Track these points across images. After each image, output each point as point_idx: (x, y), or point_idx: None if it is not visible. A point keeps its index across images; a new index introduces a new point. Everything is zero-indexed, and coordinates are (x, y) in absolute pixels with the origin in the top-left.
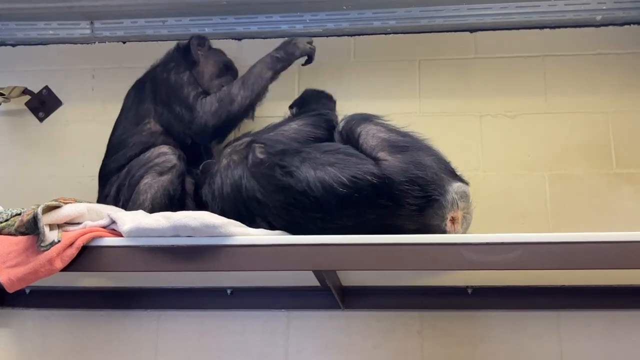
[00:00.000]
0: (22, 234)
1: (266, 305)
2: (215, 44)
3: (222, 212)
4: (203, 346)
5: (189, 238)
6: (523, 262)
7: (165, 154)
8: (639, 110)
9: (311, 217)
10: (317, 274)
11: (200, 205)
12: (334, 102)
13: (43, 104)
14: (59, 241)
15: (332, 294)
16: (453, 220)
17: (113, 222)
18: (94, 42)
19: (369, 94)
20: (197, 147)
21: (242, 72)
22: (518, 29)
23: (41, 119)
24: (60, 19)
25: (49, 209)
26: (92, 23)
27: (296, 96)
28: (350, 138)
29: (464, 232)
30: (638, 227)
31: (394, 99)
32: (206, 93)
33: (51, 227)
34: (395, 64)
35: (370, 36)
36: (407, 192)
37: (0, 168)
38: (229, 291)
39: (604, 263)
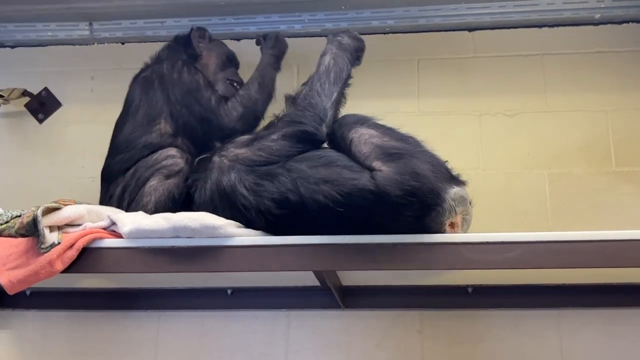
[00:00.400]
0: (22, 235)
1: (266, 305)
2: None
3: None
4: (203, 346)
5: (189, 239)
6: (523, 261)
7: (173, 157)
8: (638, 108)
9: (308, 228)
10: (317, 274)
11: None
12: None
13: (42, 105)
14: (59, 243)
15: (332, 294)
16: (452, 225)
17: (113, 223)
18: (93, 43)
19: (368, 93)
20: (208, 144)
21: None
22: (517, 27)
23: (40, 121)
24: (59, 20)
25: (49, 210)
26: (90, 24)
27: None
28: (342, 144)
29: (465, 231)
30: (638, 226)
31: (393, 98)
32: (225, 97)
33: (51, 228)
34: (394, 64)
35: (369, 36)
36: (404, 205)
37: None
38: (229, 291)
39: (604, 261)
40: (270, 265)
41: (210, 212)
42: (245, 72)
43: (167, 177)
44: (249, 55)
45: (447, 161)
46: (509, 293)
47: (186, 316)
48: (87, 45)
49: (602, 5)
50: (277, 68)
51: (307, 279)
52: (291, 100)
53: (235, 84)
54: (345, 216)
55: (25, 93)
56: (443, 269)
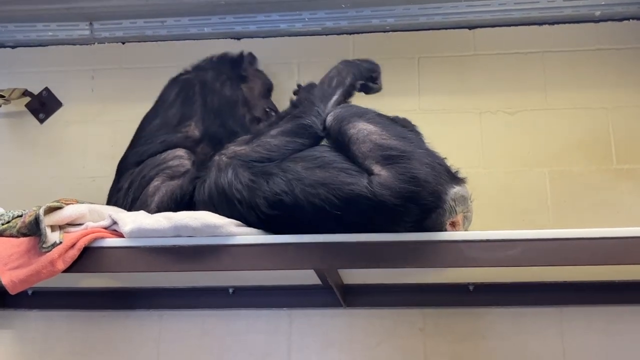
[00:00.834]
0: (24, 235)
1: (268, 304)
2: (215, 43)
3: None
4: (205, 345)
5: (190, 238)
6: (524, 258)
7: (180, 158)
8: (639, 106)
9: (306, 229)
10: (319, 272)
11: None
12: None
13: (43, 105)
14: (60, 242)
15: (333, 292)
16: (453, 224)
17: (114, 222)
18: (93, 43)
19: None
20: None
21: None
22: (517, 25)
23: (41, 121)
24: (59, 20)
25: (51, 210)
26: (91, 24)
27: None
28: (340, 140)
29: (466, 230)
30: (639, 223)
31: (393, 96)
32: (258, 119)
33: (52, 228)
34: (395, 62)
35: (369, 34)
36: (403, 211)
37: (0, 170)
38: (230, 290)
39: (605, 259)
40: (271, 264)
41: (210, 209)
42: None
43: (172, 178)
44: None
45: (445, 158)
46: (511, 291)
47: (188, 315)
48: (87, 45)
49: (603, 3)
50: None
51: (309, 277)
52: (292, 102)
53: (273, 114)
54: (342, 219)
55: (26, 93)
56: (444, 267)
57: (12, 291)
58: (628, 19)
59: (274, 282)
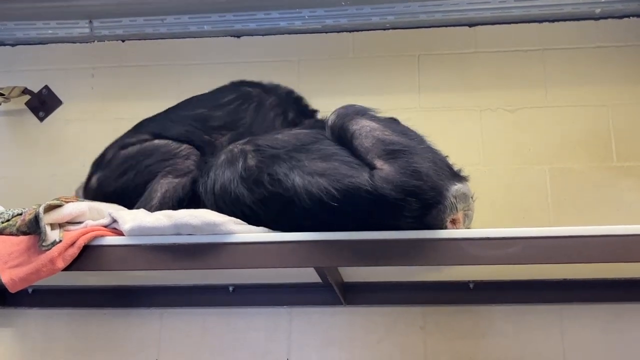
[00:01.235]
0: (24, 233)
1: (268, 302)
2: (214, 41)
3: (217, 209)
4: (206, 344)
5: (190, 236)
6: (524, 256)
7: (190, 157)
8: (639, 103)
9: (303, 224)
10: (319, 270)
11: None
12: None
13: (43, 103)
14: (60, 241)
15: (333, 290)
16: (454, 221)
17: (114, 221)
18: (93, 41)
19: (369, 89)
20: None
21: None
22: (517, 22)
23: (41, 119)
24: (59, 18)
25: (51, 208)
26: (91, 22)
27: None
28: (343, 136)
29: (467, 227)
30: (639, 220)
31: (393, 94)
32: None
33: (52, 226)
34: (395, 60)
35: (369, 32)
36: (403, 206)
37: (0, 168)
38: (231, 288)
39: (606, 256)
40: (271, 262)
41: (211, 195)
42: (247, 71)
43: (176, 176)
44: (249, 53)
45: (447, 156)
46: (511, 288)
47: (188, 313)
48: (87, 43)
49: (603, 0)
50: None
51: (309, 275)
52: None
53: None
54: (339, 211)
55: (25, 91)
56: (445, 265)
57: (12, 289)
58: (628, 16)
59: (274, 280)
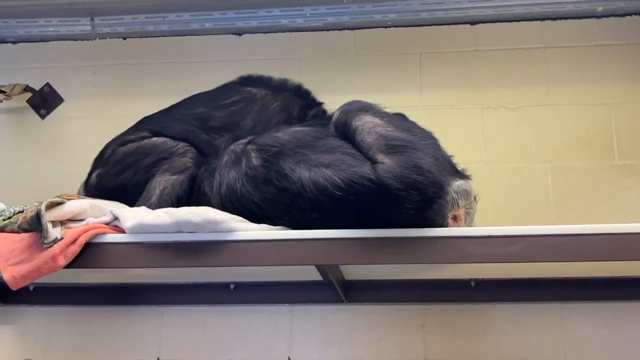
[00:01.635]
0: (25, 231)
1: (269, 300)
2: (216, 39)
3: (223, 208)
4: (207, 341)
5: (191, 234)
6: (526, 254)
7: (187, 155)
8: None
9: (309, 217)
10: (320, 268)
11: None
12: None
13: (44, 101)
14: (61, 238)
15: (335, 288)
16: (455, 218)
17: (116, 218)
18: (95, 39)
19: (370, 87)
20: None
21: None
22: (519, 21)
23: (43, 116)
24: (60, 15)
25: (52, 205)
26: (92, 19)
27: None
28: (346, 132)
29: (468, 226)
30: None
31: (395, 92)
32: None
33: (54, 223)
34: (396, 58)
35: (371, 30)
36: (405, 197)
37: (2, 166)
38: (232, 286)
39: (607, 255)
40: (272, 260)
41: (217, 195)
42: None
43: (174, 173)
44: (250, 51)
45: (452, 156)
46: (512, 287)
47: (189, 311)
48: (88, 40)
49: None
50: None
51: (310, 273)
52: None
53: None
54: (345, 202)
55: (27, 89)
56: (446, 263)
57: (14, 287)
58: (630, 14)
59: (276, 278)
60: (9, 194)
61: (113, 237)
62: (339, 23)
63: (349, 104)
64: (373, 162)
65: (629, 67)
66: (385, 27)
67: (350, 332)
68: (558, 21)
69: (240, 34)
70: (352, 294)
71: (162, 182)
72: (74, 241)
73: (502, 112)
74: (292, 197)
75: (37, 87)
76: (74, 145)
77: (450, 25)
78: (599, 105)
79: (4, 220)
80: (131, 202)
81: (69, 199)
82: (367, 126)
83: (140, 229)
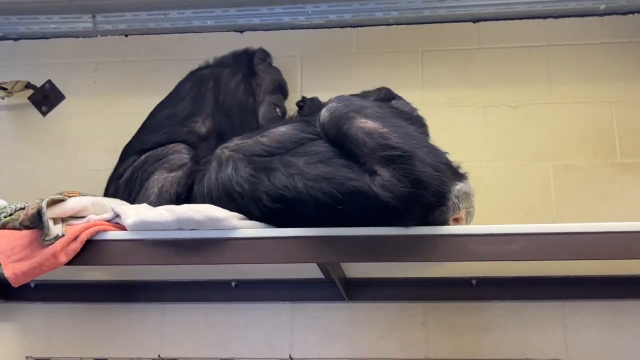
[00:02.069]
0: (27, 228)
1: (271, 298)
2: (218, 36)
3: None
4: (208, 339)
5: (193, 231)
6: (527, 252)
7: (179, 152)
8: None
9: (307, 223)
10: (321, 266)
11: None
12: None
13: (46, 98)
14: (63, 235)
15: (336, 286)
16: (457, 220)
17: (117, 215)
18: (96, 36)
19: (372, 85)
20: None
21: None
22: (521, 18)
23: (44, 113)
24: (62, 12)
25: (53, 202)
26: (94, 16)
27: (299, 89)
28: (339, 138)
29: (469, 224)
30: None
31: (396, 90)
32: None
33: (55, 221)
34: (398, 55)
35: (373, 27)
36: (406, 212)
37: (3, 162)
38: (233, 284)
39: (609, 253)
40: (274, 257)
41: (209, 202)
42: None
43: (171, 170)
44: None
45: (447, 153)
46: (513, 285)
47: (190, 308)
48: (90, 37)
49: None
50: None
51: (311, 271)
52: (299, 107)
53: (277, 109)
54: (344, 214)
55: (28, 85)
56: (447, 261)
57: (15, 284)
58: (633, 12)
59: (277, 276)
60: (10, 190)
61: (114, 234)
62: (341, 21)
63: (337, 101)
64: (371, 173)
65: (631, 65)
66: (387, 25)
67: (351, 330)
68: (560, 19)
69: (242, 32)
70: (353, 291)
71: (160, 180)
72: (75, 238)
73: (504, 110)
74: (290, 211)
75: (39, 84)
76: (75, 142)
77: (452, 23)
78: (601, 104)
79: (5, 217)
80: None
81: (70, 196)
82: (360, 134)
83: (141, 226)
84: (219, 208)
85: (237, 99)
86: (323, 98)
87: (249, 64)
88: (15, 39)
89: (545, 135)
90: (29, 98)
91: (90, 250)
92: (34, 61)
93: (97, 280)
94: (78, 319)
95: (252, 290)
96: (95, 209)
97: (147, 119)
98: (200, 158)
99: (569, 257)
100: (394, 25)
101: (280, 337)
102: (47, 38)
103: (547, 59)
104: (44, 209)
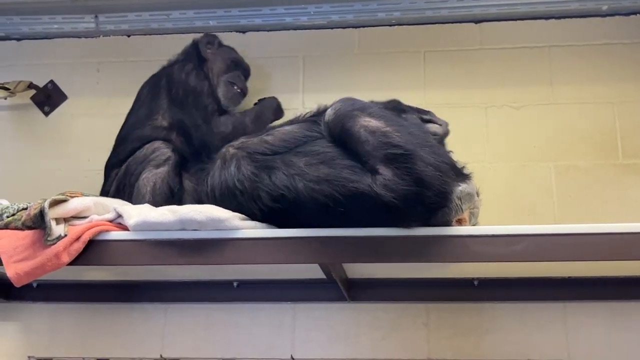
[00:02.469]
0: (29, 228)
1: (272, 298)
2: (220, 36)
3: None
4: (209, 339)
5: (195, 232)
6: (529, 253)
7: (159, 149)
8: None
9: (307, 224)
10: (323, 266)
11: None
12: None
13: (48, 98)
14: (65, 235)
15: (338, 287)
16: (459, 221)
17: (119, 216)
18: (99, 36)
19: (374, 85)
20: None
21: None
22: (523, 19)
23: (46, 113)
24: (64, 13)
25: (56, 203)
26: (96, 17)
27: (301, 89)
28: (343, 135)
29: (474, 224)
30: None
31: (398, 90)
32: (222, 109)
33: (58, 221)
34: (400, 56)
35: (375, 28)
36: (408, 212)
37: (6, 162)
38: (235, 284)
39: (611, 254)
40: (276, 258)
41: (212, 201)
42: (252, 67)
43: (157, 166)
44: (254, 48)
45: (451, 151)
46: (515, 286)
47: (192, 308)
48: (92, 37)
49: None
50: (277, 117)
51: (313, 271)
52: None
53: (235, 87)
54: (345, 216)
55: (31, 86)
56: (449, 262)
57: (17, 284)
58: (635, 13)
59: (279, 276)
60: (12, 190)
61: (116, 235)
62: (342, 21)
63: (342, 102)
64: (373, 172)
65: (634, 66)
66: (390, 26)
67: (353, 331)
68: (562, 20)
69: (244, 32)
70: (355, 292)
71: (149, 177)
72: (77, 238)
73: (505, 111)
74: (289, 212)
75: (41, 84)
76: (78, 142)
77: (455, 24)
78: (603, 104)
79: (7, 217)
80: None
81: (72, 197)
82: (363, 132)
83: (143, 226)
84: (221, 208)
85: (189, 88)
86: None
87: (197, 53)
88: (18, 39)
89: (547, 135)
90: (32, 98)
91: (93, 250)
92: (36, 61)
93: (100, 280)
94: (80, 318)
95: (254, 290)
96: (98, 209)
97: (119, 132)
98: (178, 149)
99: (571, 258)
100: (396, 26)
101: (282, 338)
102: (49, 38)
103: (549, 60)
104: (47, 209)
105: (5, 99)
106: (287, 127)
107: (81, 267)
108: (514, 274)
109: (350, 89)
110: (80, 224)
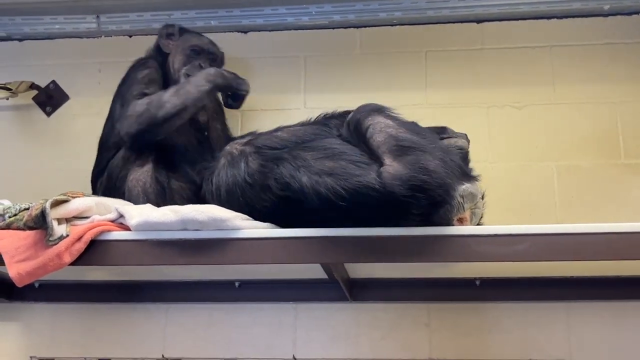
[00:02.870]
0: (31, 228)
1: (274, 298)
2: (221, 36)
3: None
4: (211, 339)
5: (196, 231)
6: (531, 253)
7: (140, 151)
8: None
9: (312, 222)
10: (325, 266)
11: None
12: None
13: (50, 98)
14: (67, 235)
15: (339, 286)
16: (460, 220)
17: (121, 216)
18: (101, 36)
19: (375, 86)
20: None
21: (247, 67)
22: (525, 19)
23: (48, 114)
24: (66, 13)
25: (57, 203)
26: (98, 17)
27: (302, 89)
28: (358, 130)
29: (476, 224)
30: None
31: (400, 90)
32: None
33: (59, 221)
34: (402, 56)
35: (376, 28)
36: (411, 202)
37: (7, 163)
38: (237, 284)
39: (612, 254)
40: (277, 258)
41: (217, 200)
42: (253, 67)
43: (142, 165)
44: (256, 48)
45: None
46: (517, 285)
47: (194, 308)
48: (94, 38)
49: None
50: (214, 83)
51: (315, 271)
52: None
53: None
54: (347, 211)
55: (33, 86)
56: (451, 262)
57: (19, 284)
58: (637, 12)
59: (280, 276)
60: (14, 191)
61: (118, 235)
62: (344, 21)
63: (364, 105)
64: (380, 162)
65: (636, 66)
66: (391, 25)
67: (354, 331)
68: (564, 19)
69: (245, 32)
70: (356, 292)
71: (139, 178)
72: (79, 238)
73: (507, 111)
74: (293, 205)
75: (43, 84)
76: (80, 142)
77: (456, 24)
78: (605, 104)
79: (9, 217)
80: None
81: (74, 197)
82: (378, 126)
83: (145, 226)
84: (223, 209)
85: (127, 79)
86: (326, 98)
87: (158, 49)
88: (20, 40)
89: (549, 135)
90: (34, 98)
91: (94, 250)
92: (38, 62)
93: (101, 281)
94: (82, 319)
95: (256, 290)
96: (99, 210)
97: (99, 141)
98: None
99: (573, 258)
100: (398, 26)
101: (284, 338)
102: (51, 38)
103: (551, 60)
104: (48, 210)
105: (7, 99)
106: (297, 126)
107: (83, 267)
108: (516, 273)
109: (352, 89)
110: (82, 224)
